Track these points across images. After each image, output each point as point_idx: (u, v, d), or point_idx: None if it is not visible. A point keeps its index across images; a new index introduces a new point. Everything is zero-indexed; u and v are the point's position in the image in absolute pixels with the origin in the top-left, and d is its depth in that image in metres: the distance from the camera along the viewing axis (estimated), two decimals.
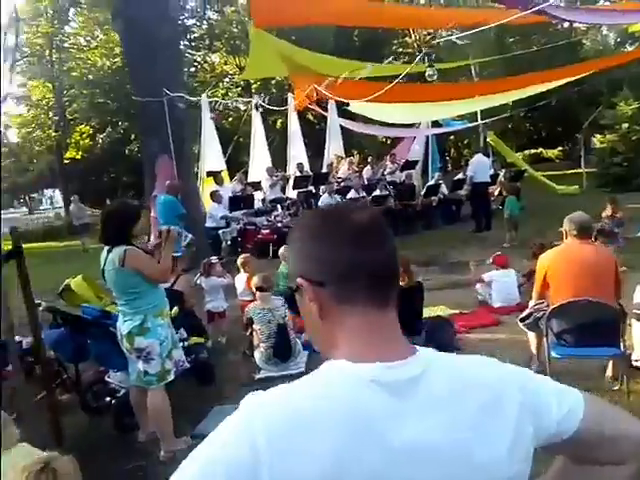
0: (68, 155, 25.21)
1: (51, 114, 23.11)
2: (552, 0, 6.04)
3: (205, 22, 24.41)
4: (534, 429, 0.83)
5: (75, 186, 27.64)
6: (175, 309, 4.52)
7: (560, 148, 29.84)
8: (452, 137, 28.82)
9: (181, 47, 20.93)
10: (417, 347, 0.84)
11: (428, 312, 5.26)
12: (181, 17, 20.16)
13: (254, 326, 4.45)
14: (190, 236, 7.68)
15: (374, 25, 13.54)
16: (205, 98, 12.39)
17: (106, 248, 3.22)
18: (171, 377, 3.31)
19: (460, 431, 0.78)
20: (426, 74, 4.93)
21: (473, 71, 17.18)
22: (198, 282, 5.24)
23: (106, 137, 22.49)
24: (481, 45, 18.43)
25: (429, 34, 28.45)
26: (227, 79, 24.59)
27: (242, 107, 21.57)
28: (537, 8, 5.57)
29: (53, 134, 22.88)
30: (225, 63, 25.44)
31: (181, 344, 4.46)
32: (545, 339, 3.36)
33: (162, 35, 8.04)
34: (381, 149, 22.02)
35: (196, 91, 17.01)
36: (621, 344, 3.19)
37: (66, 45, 22.40)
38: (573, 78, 11.47)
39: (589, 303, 3.14)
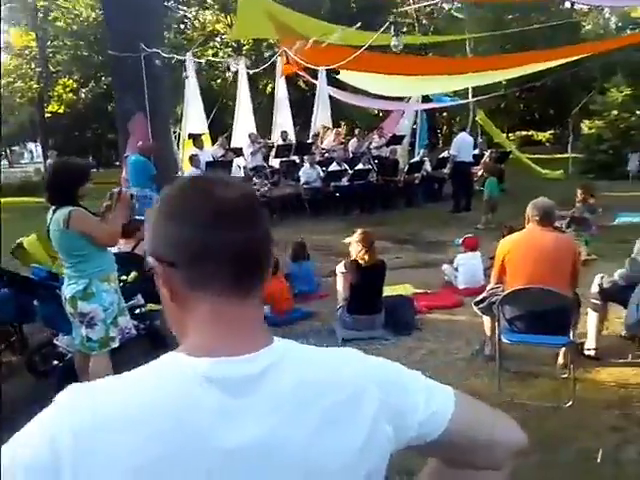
0: (50, 109, 24.56)
1: (33, 65, 22.34)
2: None
3: None
4: (394, 429, 0.78)
5: (58, 141, 27.09)
6: (133, 274, 4.43)
7: (551, 131, 29.74)
8: (445, 114, 28.56)
9: (171, 2, 20.30)
10: (276, 340, 0.77)
11: (392, 290, 5.23)
12: None
13: None
14: None
15: None
16: (190, 56, 12.00)
17: (52, 208, 3.09)
18: (115, 344, 3.23)
19: (305, 430, 0.71)
20: (391, 44, 4.72)
21: (467, 48, 16.81)
22: None
23: (89, 92, 21.85)
24: (479, 21, 18.09)
25: (429, 4, 27.95)
26: (218, 38, 23.90)
27: (232, 69, 21.06)
28: None
29: (35, 86, 22.17)
30: (217, 21, 24.69)
31: (137, 310, 4.41)
32: (497, 324, 3.34)
33: None
34: (372, 122, 21.72)
35: (184, 49, 16.47)
36: (571, 333, 3.17)
37: None
38: (570, 59, 11.29)
39: (542, 291, 3.10)
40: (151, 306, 4.54)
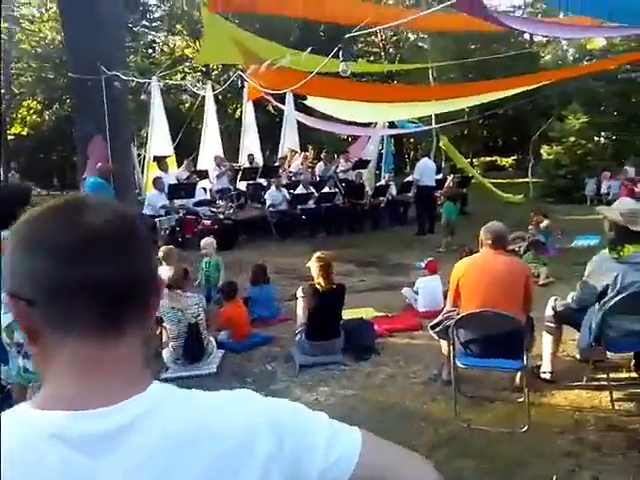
0: (14, 130, 23.99)
1: None
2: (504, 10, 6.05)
3: (167, 2, 23.63)
4: (290, 478, 0.70)
5: (21, 163, 26.37)
6: None
7: (514, 157, 30.66)
8: (412, 139, 29.18)
9: (138, 27, 20.30)
10: (154, 384, 0.68)
11: (353, 314, 5.18)
12: None
13: (164, 324, 4.24)
14: None
15: (334, 20, 13.35)
16: (155, 79, 11.95)
17: None
18: None
19: None
20: (340, 69, 4.77)
21: (431, 76, 17.25)
22: None
23: (52, 114, 21.48)
24: (442, 51, 18.62)
25: (394, 34, 28.75)
26: (188, 63, 23.95)
27: (202, 93, 21.06)
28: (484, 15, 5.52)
29: None
30: (187, 46, 24.79)
31: None
32: (452, 348, 3.31)
33: (104, 10, 7.62)
34: (341, 146, 21.96)
35: (151, 72, 16.41)
36: (524, 357, 3.16)
37: (16, 15, 21.19)
38: (529, 87, 11.66)
39: (494, 315, 3.09)
40: None
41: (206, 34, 10.50)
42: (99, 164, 7.21)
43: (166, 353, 4.21)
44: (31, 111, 23.88)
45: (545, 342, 3.77)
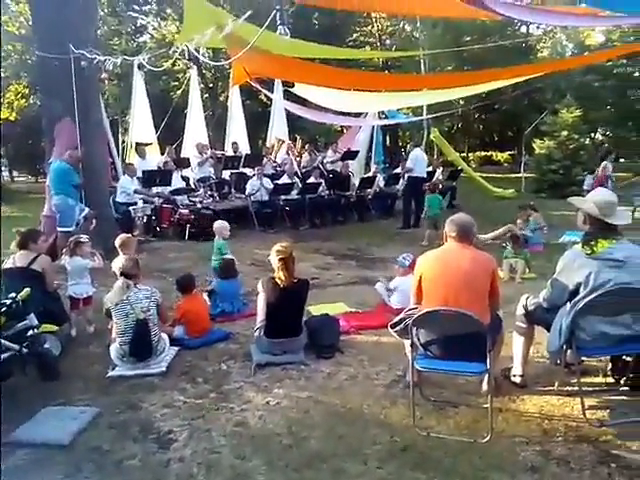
0: (1, 116, 23.48)
1: None
2: None
3: None
4: None
5: (10, 150, 25.88)
6: (26, 291, 3.96)
7: (510, 152, 30.47)
8: (407, 132, 28.89)
9: (123, 10, 19.82)
10: None
11: (321, 309, 4.91)
12: None
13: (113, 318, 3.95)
14: (87, 210, 7.04)
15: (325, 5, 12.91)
16: (137, 62, 11.53)
17: None
18: None
19: None
20: (277, 32, 4.51)
21: (423, 67, 16.84)
22: (62, 262, 4.64)
23: (38, 98, 21.01)
24: (436, 42, 18.24)
25: (390, 25, 28.28)
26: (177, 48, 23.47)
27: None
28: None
29: None
30: (178, 32, 24.30)
31: (29, 333, 3.92)
32: (412, 349, 3.03)
33: None
34: (333, 136, 21.61)
35: (135, 55, 15.98)
36: (487, 361, 2.88)
37: None
38: (522, 78, 11.30)
39: (454, 314, 2.81)
40: (45, 327, 4.08)
41: (187, 14, 10.08)
42: (68, 151, 6.85)
43: (113, 350, 3.91)
44: (18, 95, 23.39)
45: (515, 344, 3.50)
